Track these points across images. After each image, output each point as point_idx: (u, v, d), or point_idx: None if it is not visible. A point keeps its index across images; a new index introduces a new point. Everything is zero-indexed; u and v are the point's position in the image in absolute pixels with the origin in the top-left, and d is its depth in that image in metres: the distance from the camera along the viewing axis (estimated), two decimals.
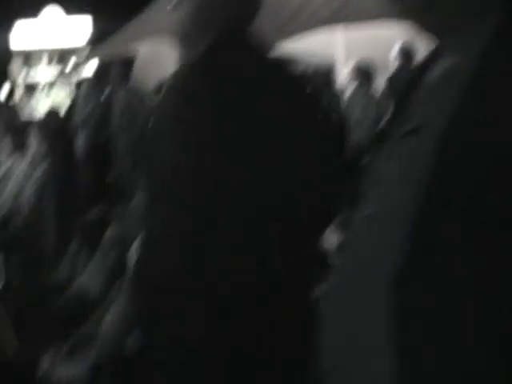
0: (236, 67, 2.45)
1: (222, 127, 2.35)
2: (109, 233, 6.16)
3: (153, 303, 2.43)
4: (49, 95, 16.84)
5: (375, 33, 11.21)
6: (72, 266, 6.35)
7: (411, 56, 9.35)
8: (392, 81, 9.45)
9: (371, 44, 11.26)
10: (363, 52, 11.13)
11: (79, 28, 17.34)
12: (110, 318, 3.32)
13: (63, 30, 17.27)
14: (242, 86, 2.41)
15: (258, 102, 2.41)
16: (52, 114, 8.43)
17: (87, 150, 9.09)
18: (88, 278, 6.06)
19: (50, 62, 18.37)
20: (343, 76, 11.54)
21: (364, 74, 9.55)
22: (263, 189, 2.37)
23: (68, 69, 16.51)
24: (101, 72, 10.04)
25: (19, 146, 6.82)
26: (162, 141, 2.42)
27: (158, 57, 11.29)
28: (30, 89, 16.80)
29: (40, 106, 15.65)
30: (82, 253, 6.36)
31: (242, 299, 2.34)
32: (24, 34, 17.41)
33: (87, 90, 9.83)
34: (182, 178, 2.36)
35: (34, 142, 6.63)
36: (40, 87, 16.77)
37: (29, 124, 7.63)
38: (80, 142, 9.05)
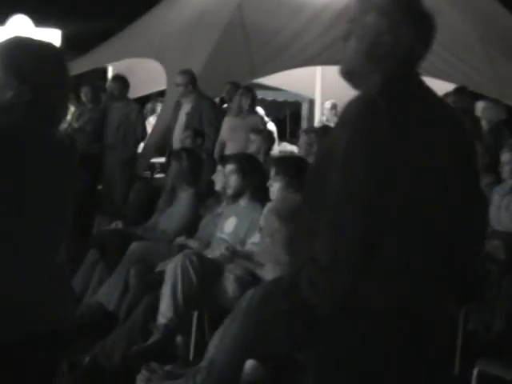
0: (411, 102, 2.45)
1: (403, 158, 2.34)
2: (131, 248, 5.90)
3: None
4: None
5: None
6: (87, 277, 6.08)
7: None
8: None
9: (346, 83, 11.45)
10: (339, 90, 11.27)
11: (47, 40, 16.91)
12: (225, 343, 3.06)
13: None
14: (417, 121, 2.42)
15: (430, 135, 2.43)
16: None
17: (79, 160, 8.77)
18: (108, 291, 5.80)
19: None
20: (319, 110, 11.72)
21: None
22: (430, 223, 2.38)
23: None
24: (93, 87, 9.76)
25: None
26: (335, 169, 2.37)
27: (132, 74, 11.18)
28: None
29: None
30: (99, 264, 6.09)
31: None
32: None
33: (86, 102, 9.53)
34: (352, 206, 2.31)
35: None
36: None
37: None
38: None
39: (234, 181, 5.66)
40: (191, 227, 6.19)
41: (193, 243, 5.88)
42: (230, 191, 5.73)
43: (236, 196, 5.72)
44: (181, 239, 6.02)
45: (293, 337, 2.62)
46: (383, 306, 2.37)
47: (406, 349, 2.41)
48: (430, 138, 2.43)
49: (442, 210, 2.43)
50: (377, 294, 2.36)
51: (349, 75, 2.60)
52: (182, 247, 5.82)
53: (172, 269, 5.20)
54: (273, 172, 5.26)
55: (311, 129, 7.99)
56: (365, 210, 2.32)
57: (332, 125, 10.40)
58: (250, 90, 8.77)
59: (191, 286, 5.14)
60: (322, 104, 11.65)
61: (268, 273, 3.24)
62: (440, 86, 8.46)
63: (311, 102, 13.07)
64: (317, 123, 11.46)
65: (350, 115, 2.46)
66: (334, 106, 11.24)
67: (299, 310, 2.46)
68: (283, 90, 13.68)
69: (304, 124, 13.81)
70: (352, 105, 2.50)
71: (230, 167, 5.70)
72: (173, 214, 6.42)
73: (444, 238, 2.43)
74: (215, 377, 3.04)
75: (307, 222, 2.57)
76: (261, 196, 5.60)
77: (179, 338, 5.26)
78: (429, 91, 2.57)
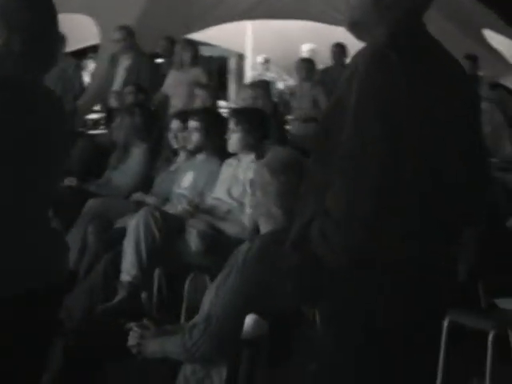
0: (418, 53, 2.40)
1: (414, 109, 2.30)
2: (88, 205, 5.76)
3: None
4: None
5: (281, 28, 11.39)
6: None
7: (345, 51, 9.39)
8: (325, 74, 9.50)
9: (277, 38, 11.45)
10: (270, 44, 11.28)
11: None
12: (222, 298, 3.00)
13: None
14: (425, 72, 2.37)
15: (438, 86, 2.38)
16: None
17: None
18: None
19: None
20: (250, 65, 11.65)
21: None
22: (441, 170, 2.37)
23: None
24: None
25: None
26: (348, 121, 2.31)
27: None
28: None
29: None
30: (53, 222, 5.91)
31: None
32: None
33: None
34: (367, 158, 2.26)
35: None
36: None
37: None
38: None
39: (196, 137, 5.56)
40: (146, 183, 6.08)
41: (150, 199, 5.77)
42: (190, 146, 5.62)
43: (195, 152, 5.63)
44: (137, 195, 5.90)
45: (302, 291, 2.58)
46: (396, 257, 2.34)
47: (421, 300, 2.40)
48: (439, 90, 2.38)
49: (451, 162, 2.41)
50: (390, 246, 2.33)
51: (354, 26, 2.53)
52: (139, 203, 5.71)
53: (134, 225, 5.09)
54: (232, 123, 5.18)
55: (257, 83, 7.90)
56: (380, 161, 2.27)
57: (265, 79, 10.38)
58: (191, 43, 8.64)
59: (155, 242, 5.05)
60: (254, 58, 11.57)
61: (261, 226, 3.17)
62: None
63: (240, 57, 12.96)
64: (249, 78, 11.38)
65: (358, 66, 2.41)
66: (266, 61, 11.17)
67: (310, 264, 2.43)
68: (210, 45, 13.53)
69: (232, 79, 13.70)
70: (360, 56, 2.44)
71: (193, 124, 5.58)
72: (126, 170, 6.28)
73: (451, 189, 2.42)
74: (213, 332, 2.96)
75: (317, 176, 2.52)
76: (219, 150, 5.53)
77: (144, 295, 5.18)
78: (435, 42, 2.53)
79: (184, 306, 5.07)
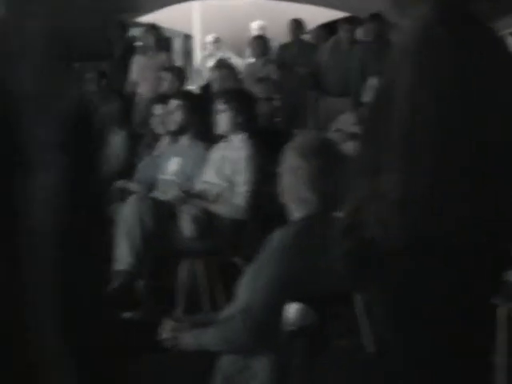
0: (468, 26, 2.34)
1: (468, 86, 2.24)
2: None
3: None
4: None
5: (230, 6, 11.22)
6: None
7: (303, 27, 9.28)
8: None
9: (226, 17, 11.26)
10: (218, 24, 11.10)
11: None
12: (259, 287, 2.89)
13: None
14: (475, 48, 2.31)
15: (491, 60, 2.33)
16: None
17: None
18: None
19: None
20: (200, 45, 11.45)
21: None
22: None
23: None
24: None
25: None
26: (405, 105, 2.24)
27: None
28: None
29: None
30: None
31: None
32: None
33: None
34: (427, 138, 2.21)
35: None
36: None
37: None
38: None
39: (179, 116, 5.38)
40: (128, 170, 5.89)
41: (134, 186, 5.59)
42: (172, 127, 5.44)
43: (177, 133, 5.46)
44: (121, 183, 5.71)
45: (356, 275, 2.50)
46: (454, 240, 2.27)
47: (475, 284, 2.34)
48: (489, 65, 2.33)
49: (498, 145, 2.34)
50: (448, 229, 2.27)
51: (397, 1, 2.47)
52: (123, 191, 5.53)
53: (127, 214, 4.92)
54: (219, 103, 5.04)
55: (223, 64, 7.72)
56: (436, 142, 2.21)
57: (216, 58, 10.20)
58: (155, 27, 8.41)
59: (149, 229, 4.89)
60: (202, 39, 11.35)
61: (292, 212, 3.06)
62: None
63: (186, 38, 12.71)
64: (199, 59, 11.17)
65: (409, 46, 2.33)
66: (216, 40, 10.96)
67: (364, 248, 2.35)
68: None
69: (178, 60, 13.45)
70: (408, 34, 2.37)
71: (175, 103, 5.41)
72: (107, 159, 6.07)
73: (499, 175, 2.35)
74: (251, 322, 2.83)
75: (367, 159, 2.44)
76: (202, 134, 5.39)
77: (140, 283, 5.04)
78: (478, 17, 2.46)
79: (180, 292, 4.95)
